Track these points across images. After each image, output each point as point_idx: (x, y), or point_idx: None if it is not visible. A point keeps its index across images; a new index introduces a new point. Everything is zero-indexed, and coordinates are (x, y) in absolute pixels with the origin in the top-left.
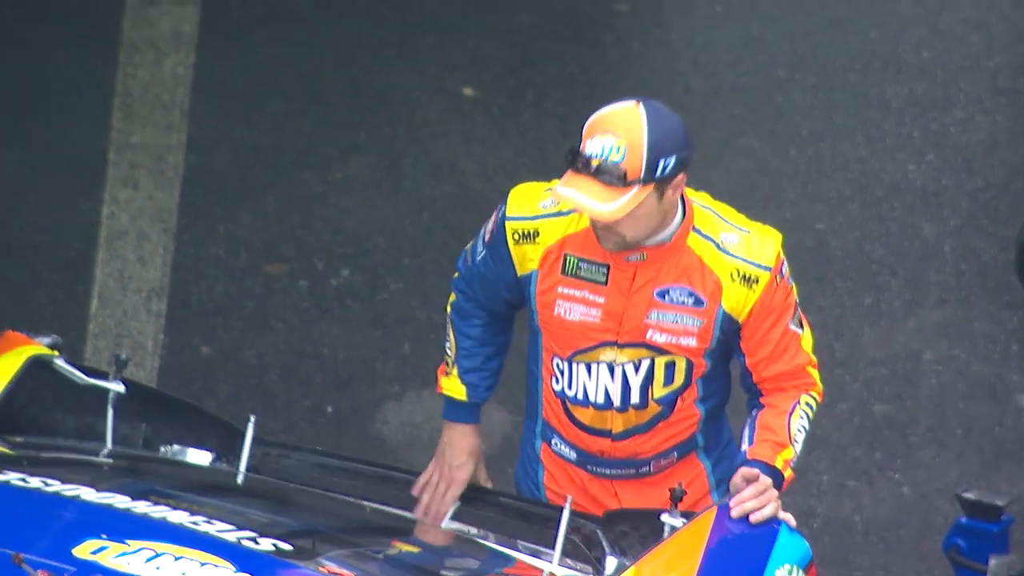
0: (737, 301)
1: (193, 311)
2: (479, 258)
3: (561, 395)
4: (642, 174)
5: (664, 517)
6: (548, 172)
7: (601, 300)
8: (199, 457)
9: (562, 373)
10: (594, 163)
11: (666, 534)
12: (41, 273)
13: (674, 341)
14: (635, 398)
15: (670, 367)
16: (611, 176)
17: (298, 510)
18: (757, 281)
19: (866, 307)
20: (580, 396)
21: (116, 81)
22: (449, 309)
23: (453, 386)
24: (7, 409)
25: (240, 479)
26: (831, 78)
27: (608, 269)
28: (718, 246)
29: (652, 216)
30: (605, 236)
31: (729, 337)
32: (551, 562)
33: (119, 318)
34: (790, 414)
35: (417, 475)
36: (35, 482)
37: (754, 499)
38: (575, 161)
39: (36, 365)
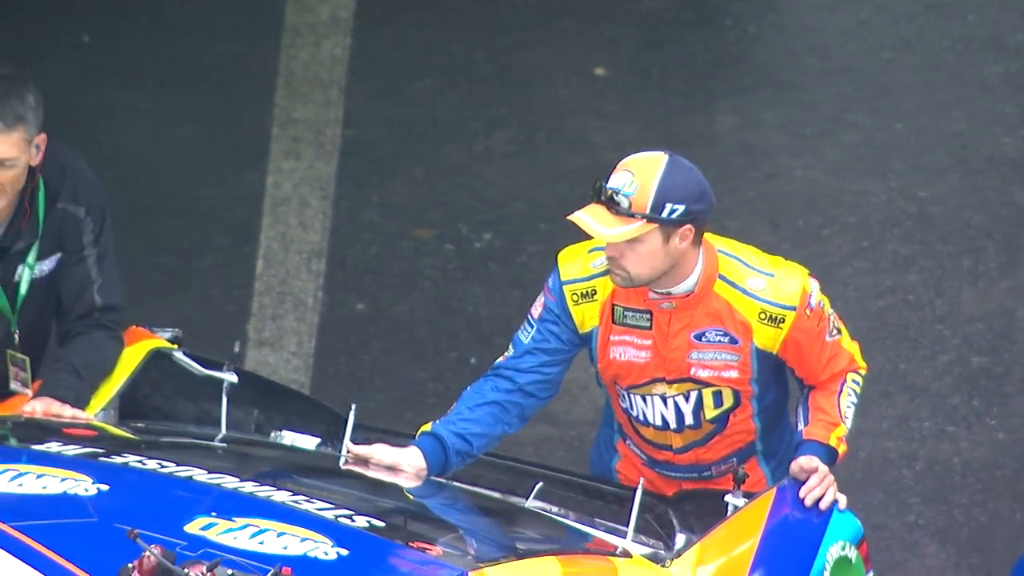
0: (768, 339)
1: (349, 271)
2: (527, 339)
3: (627, 412)
4: (647, 210)
5: (728, 497)
6: (673, 145)
7: (648, 343)
8: (306, 442)
9: (623, 397)
10: (608, 192)
11: (729, 513)
12: (212, 236)
13: (717, 375)
14: (689, 420)
15: (717, 395)
16: (619, 206)
17: (392, 490)
18: (784, 320)
19: (964, 268)
20: (641, 417)
21: (280, 63)
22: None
23: (427, 425)
24: (131, 397)
25: (341, 462)
26: (933, 58)
27: (651, 315)
28: (744, 291)
29: (656, 257)
30: (612, 270)
31: (769, 364)
32: (625, 538)
33: (282, 277)
34: (839, 394)
35: (504, 460)
36: (152, 464)
37: (819, 487)
38: (597, 191)
39: (157, 357)
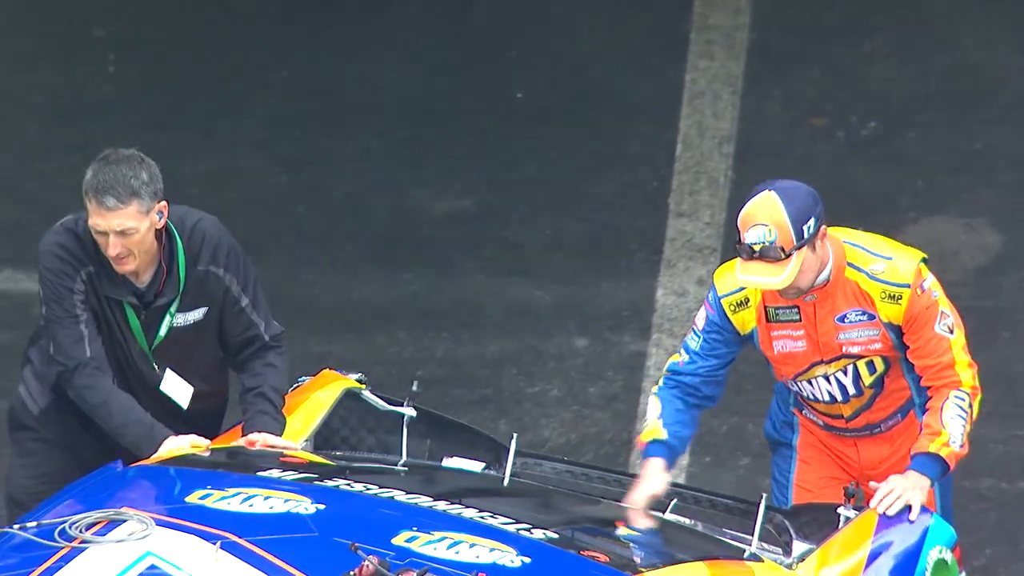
0: (891, 314)
1: (755, 154)
2: (697, 347)
3: (798, 393)
4: (795, 243)
5: (840, 510)
6: None
7: (801, 333)
8: (473, 466)
9: (791, 384)
10: (756, 248)
11: (842, 524)
12: (638, 124)
13: (865, 348)
14: (852, 391)
15: (870, 363)
16: (773, 255)
17: (556, 506)
18: (901, 297)
19: None
20: (811, 397)
21: None
22: (655, 390)
23: (654, 431)
24: (326, 431)
25: (507, 483)
26: None
27: (798, 309)
28: (869, 275)
29: (813, 267)
30: (785, 291)
31: (902, 333)
32: (751, 545)
33: (698, 159)
34: (942, 409)
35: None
36: (358, 486)
37: (887, 497)
38: (742, 252)
39: (348, 396)
